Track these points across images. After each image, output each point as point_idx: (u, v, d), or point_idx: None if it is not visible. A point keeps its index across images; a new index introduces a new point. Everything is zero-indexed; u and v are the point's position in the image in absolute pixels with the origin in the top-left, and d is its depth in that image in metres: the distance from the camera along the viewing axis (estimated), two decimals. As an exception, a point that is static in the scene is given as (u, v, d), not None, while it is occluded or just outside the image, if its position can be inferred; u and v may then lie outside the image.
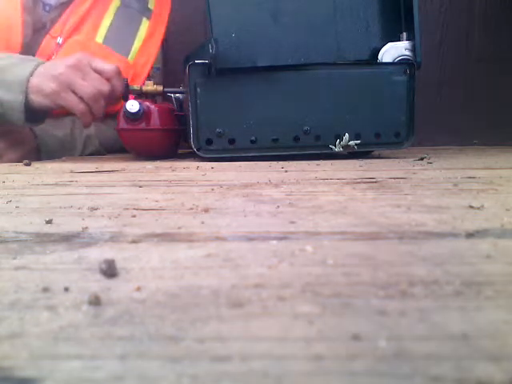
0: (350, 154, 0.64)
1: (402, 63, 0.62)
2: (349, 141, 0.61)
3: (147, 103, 0.65)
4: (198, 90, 0.60)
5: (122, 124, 0.65)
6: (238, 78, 0.60)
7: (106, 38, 0.81)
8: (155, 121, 0.65)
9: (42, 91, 0.64)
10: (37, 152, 0.78)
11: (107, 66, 0.66)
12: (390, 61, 0.62)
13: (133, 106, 0.62)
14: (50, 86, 0.64)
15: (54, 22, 0.81)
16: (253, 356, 0.10)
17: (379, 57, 0.62)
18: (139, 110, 0.62)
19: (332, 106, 0.61)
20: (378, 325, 0.12)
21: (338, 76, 0.61)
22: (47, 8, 0.81)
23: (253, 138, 0.61)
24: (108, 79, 0.66)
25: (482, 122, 1.07)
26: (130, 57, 0.84)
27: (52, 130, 0.79)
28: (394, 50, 0.61)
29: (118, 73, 0.67)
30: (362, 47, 0.62)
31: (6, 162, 0.70)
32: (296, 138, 0.61)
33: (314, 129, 0.61)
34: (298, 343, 0.11)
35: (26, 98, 0.65)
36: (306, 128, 0.61)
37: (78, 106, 0.65)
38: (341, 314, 0.12)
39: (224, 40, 0.58)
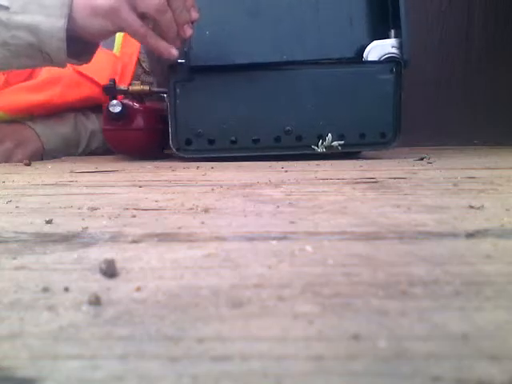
0: (343, 154, 0.63)
1: (388, 61, 0.60)
2: (332, 141, 0.59)
3: (130, 103, 0.65)
4: (178, 90, 0.60)
5: (106, 124, 0.65)
6: (217, 78, 0.60)
7: None
8: (138, 121, 0.65)
9: (97, 10, 0.52)
10: (42, 150, 0.78)
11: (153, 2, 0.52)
12: (376, 59, 0.60)
13: (115, 106, 0.62)
14: (106, 1, 0.51)
15: None
16: (253, 356, 0.10)
17: (364, 55, 0.60)
18: (121, 110, 0.62)
19: (314, 105, 0.60)
20: (378, 325, 0.12)
21: (320, 75, 0.60)
22: None
23: (233, 139, 0.60)
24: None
25: (481, 122, 1.07)
26: (115, 49, 0.84)
27: (55, 127, 0.79)
28: (380, 48, 0.60)
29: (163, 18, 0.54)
30: (346, 45, 0.61)
31: (15, 162, 0.71)
32: (277, 139, 0.60)
33: (296, 129, 0.60)
34: (298, 343, 0.11)
35: (71, 22, 0.52)
36: (287, 128, 0.60)
37: (139, 31, 0.53)
38: (341, 314, 0.12)
39: (197, 38, 0.57)
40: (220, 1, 0.59)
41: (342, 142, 0.60)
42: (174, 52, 0.56)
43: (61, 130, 0.80)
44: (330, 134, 0.59)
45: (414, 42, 1.07)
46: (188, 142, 0.61)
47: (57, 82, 0.78)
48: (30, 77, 0.79)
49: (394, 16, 0.59)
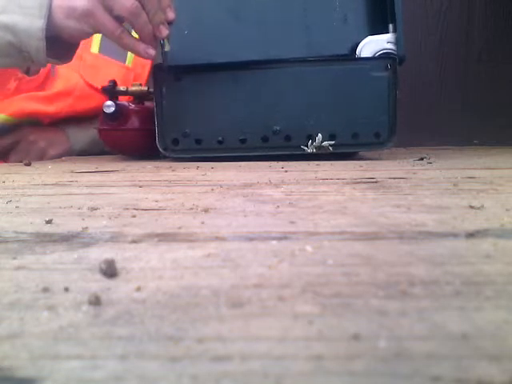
0: (340, 155, 0.61)
1: (382, 57, 0.57)
2: (322, 141, 0.58)
3: (125, 104, 0.67)
4: (164, 90, 0.60)
5: (101, 124, 0.67)
6: (204, 78, 0.60)
7: (101, 48, 0.82)
8: (133, 121, 0.66)
9: (73, 12, 0.52)
10: (71, 150, 0.83)
11: (125, 4, 0.52)
12: (370, 55, 0.57)
13: (109, 106, 0.63)
14: (81, 3, 0.52)
15: None
16: (253, 356, 0.10)
17: (357, 51, 0.57)
18: (115, 110, 0.63)
19: (304, 104, 0.58)
20: (378, 325, 0.12)
21: (310, 73, 0.58)
22: None
23: (220, 139, 0.60)
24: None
25: (481, 122, 1.07)
26: (127, 61, 0.85)
27: (84, 130, 0.83)
28: (374, 44, 0.57)
29: (136, 20, 0.54)
30: (339, 41, 0.58)
31: (48, 159, 0.76)
32: (264, 139, 0.59)
33: (285, 129, 0.59)
34: (298, 343, 0.11)
35: (50, 23, 0.53)
36: (275, 128, 0.59)
37: (115, 32, 0.53)
38: (341, 314, 0.12)
39: (176, 37, 0.57)
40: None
41: (333, 142, 0.58)
42: (151, 52, 0.56)
43: (89, 132, 0.83)
44: (320, 134, 0.58)
45: (414, 42, 1.07)
46: (175, 142, 0.61)
47: (69, 95, 0.81)
48: (42, 85, 0.81)
49: (392, 9, 0.57)
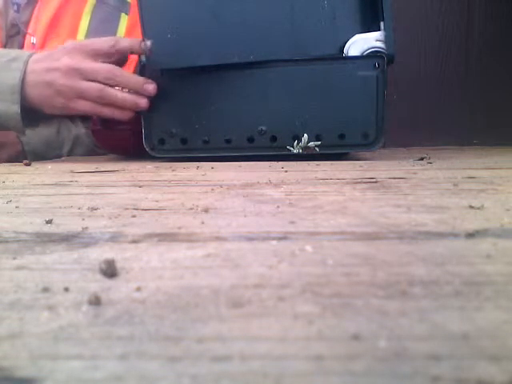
0: (339, 155, 0.60)
1: (370, 56, 0.56)
2: (308, 142, 0.58)
3: None
4: None
5: (94, 125, 0.69)
6: (189, 78, 0.60)
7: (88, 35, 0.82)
8: (124, 121, 0.67)
9: (52, 106, 0.60)
10: (22, 153, 0.79)
11: (103, 46, 0.59)
12: (358, 54, 0.56)
13: None
14: (57, 100, 0.59)
15: (26, 23, 0.82)
16: (253, 356, 0.10)
17: (345, 50, 0.56)
18: None
19: (290, 105, 0.58)
20: (378, 325, 0.12)
21: (296, 73, 0.58)
22: (15, 7, 0.83)
23: (206, 139, 0.60)
24: (110, 56, 0.59)
25: (481, 122, 1.07)
26: None
27: (38, 129, 0.79)
28: (362, 42, 0.55)
29: (116, 41, 0.60)
30: (327, 41, 0.57)
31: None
32: (250, 139, 0.59)
33: (270, 129, 0.58)
34: (298, 343, 0.11)
35: (26, 104, 0.60)
36: (260, 128, 0.59)
37: (93, 110, 0.60)
38: (341, 314, 0.12)
39: (158, 40, 0.57)
40: (181, 1, 0.58)
41: (319, 143, 0.58)
42: (143, 104, 0.60)
43: (44, 132, 0.80)
44: (305, 135, 0.57)
45: (414, 42, 1.07)
46: (161, 142, 0.61)
47: None
48: None
49: (382, 6, 0.55)
